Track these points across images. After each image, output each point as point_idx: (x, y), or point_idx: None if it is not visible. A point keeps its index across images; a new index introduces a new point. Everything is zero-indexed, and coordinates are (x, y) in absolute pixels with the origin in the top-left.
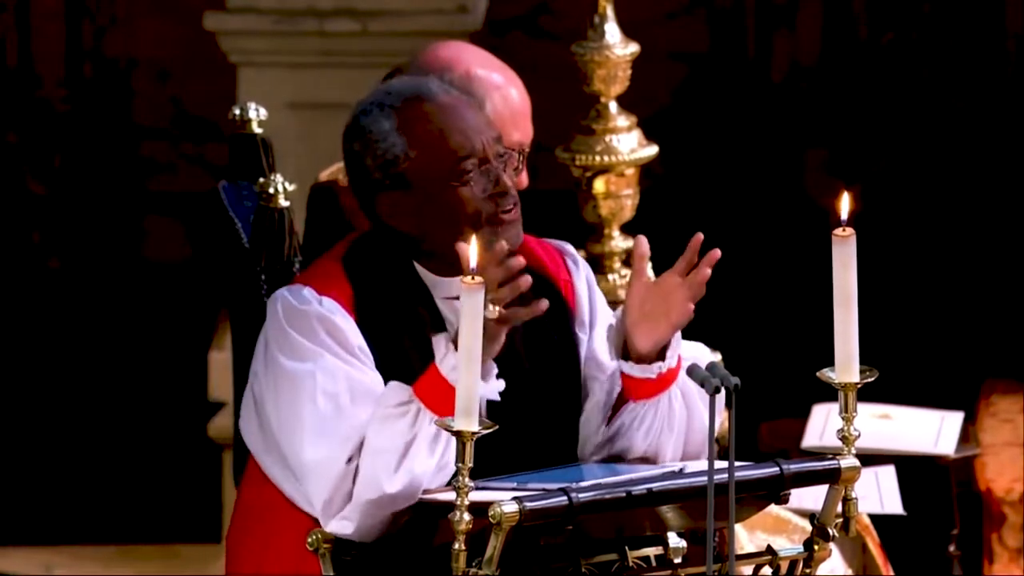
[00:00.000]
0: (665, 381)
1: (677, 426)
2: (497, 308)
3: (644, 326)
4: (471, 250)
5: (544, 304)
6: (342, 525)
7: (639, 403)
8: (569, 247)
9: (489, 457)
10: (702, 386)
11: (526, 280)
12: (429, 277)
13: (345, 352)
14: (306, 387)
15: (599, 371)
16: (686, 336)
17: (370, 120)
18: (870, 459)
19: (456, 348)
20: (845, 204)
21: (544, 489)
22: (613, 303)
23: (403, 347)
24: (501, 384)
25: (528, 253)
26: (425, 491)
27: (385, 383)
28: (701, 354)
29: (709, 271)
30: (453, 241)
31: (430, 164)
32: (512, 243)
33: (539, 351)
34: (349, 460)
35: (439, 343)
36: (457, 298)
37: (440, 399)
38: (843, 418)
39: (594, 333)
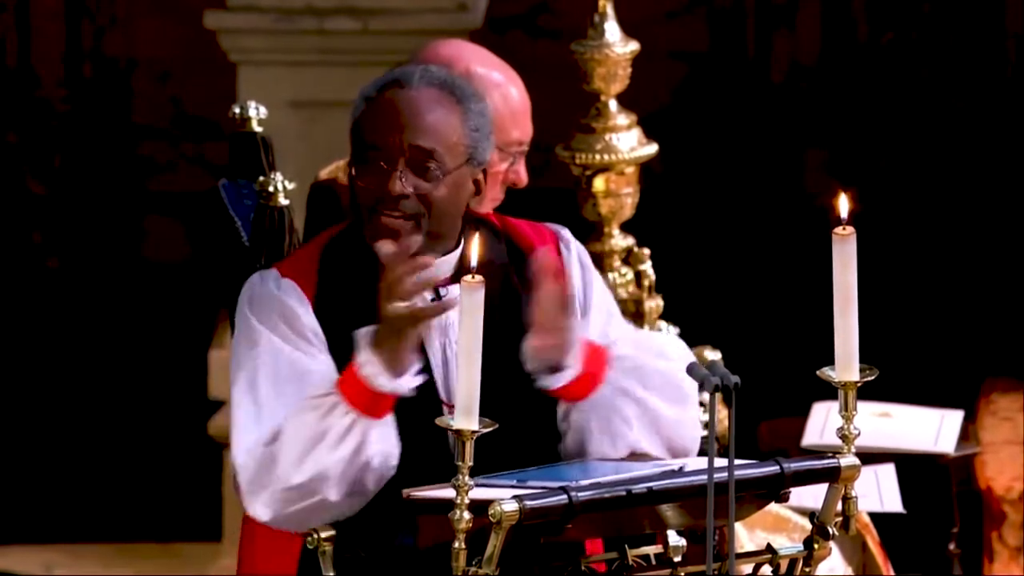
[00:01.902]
0: (582, 385)
1: (638, 424)
2: (403, 303)
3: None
4: (472, 247)
5: (452, 301)
6: (261, 511)
7: (574, 404)
8: (564, 232)
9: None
10: (702, 385)
11: (430, 276)
12: None
13: (294, 335)
14: (248, 369)
15: None
16: (688, 335)
17: (356, 101)
18: (870, 457)
19: (372, 342)
20: (844, 203)
21: (544, 487)
22: None
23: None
24: (416, 380)
25: (519, 239)
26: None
27: (338, 369)
28: (670, 349)
29: (557, 286)
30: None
31: (352, 144)
32: (380, 254)
33: (516, 343)
34: (272, 443)
35: (359, 337)
36: None
37: (357, 394)
38: (843, 417)
39: (586, 319)
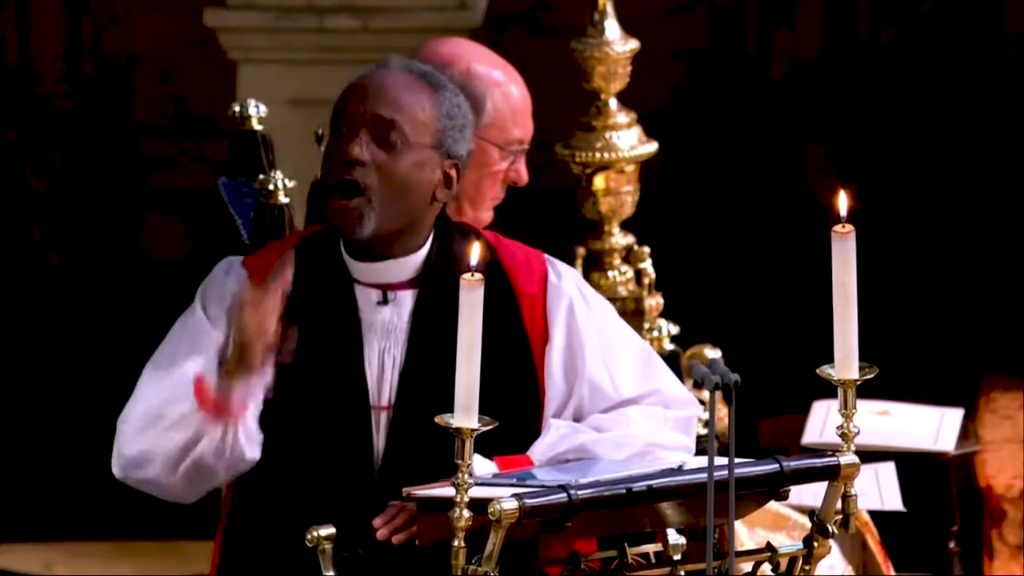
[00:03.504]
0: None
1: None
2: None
3: None
4: (473, 248)
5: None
6: (115, 468)
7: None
8: (559, 265)
9: (408, 462)
10: (702, 383)
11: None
12: (349, 261)
13: (222, 316)
14: (169, 340)
15: (550, 387)
16: (689, 333)
17: None
18: (870, 456)
19: (225, 356)
20: (844, 201)
21: (543, 486)
22: (612, 299)
23: (301, 323)
24: (253, 409)
25: (504, 260)
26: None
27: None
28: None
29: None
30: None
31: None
32: (344, 231)
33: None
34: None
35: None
36: (375, 285)
37: (203, 392)
38: (843, 415)
39: (549, 349)
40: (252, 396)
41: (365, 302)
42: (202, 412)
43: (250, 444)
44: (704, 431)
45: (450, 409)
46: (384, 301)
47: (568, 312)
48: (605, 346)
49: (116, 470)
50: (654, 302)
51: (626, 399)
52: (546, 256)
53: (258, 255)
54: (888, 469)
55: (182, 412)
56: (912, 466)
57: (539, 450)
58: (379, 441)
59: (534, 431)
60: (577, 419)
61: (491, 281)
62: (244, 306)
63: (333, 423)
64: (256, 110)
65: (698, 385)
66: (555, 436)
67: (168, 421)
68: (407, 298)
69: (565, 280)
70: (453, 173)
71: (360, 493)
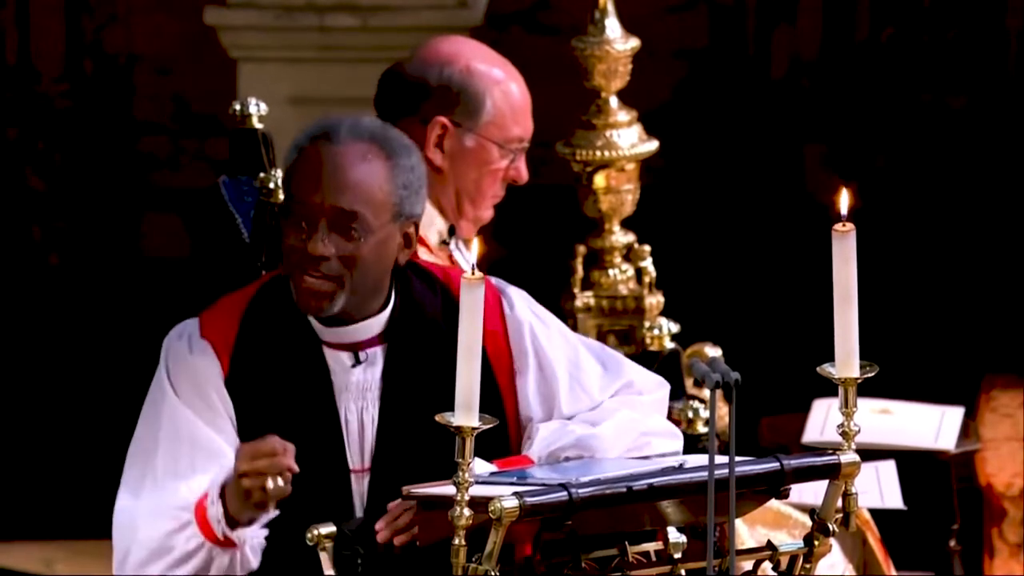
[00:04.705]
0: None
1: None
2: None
3: None
4: (472, 246)
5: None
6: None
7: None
8: (509, 290)
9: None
10: (703, 381)
11: (279, 491)
12: (316, 324)
13: (201, 402)
14: (150, 430)
15: (530, 415)
16: (689, 331)
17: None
18: (870, 454)
19: (223, 489)
20: (844, 199)
21: (544, 484)
22: (612, 297)
23: (274, 391)
24: (260, 532)
25: (457, 292)
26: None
27: (247, 426)
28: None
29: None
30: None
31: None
32: (309, 311)
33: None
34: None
35: (212, 485)
36: (345, 346)
37: (206, 524)
38: (843, 413)
39: (523, 379)
40: (260, 520)
41: (337, 365)
42: (210, 543)
43: (255, 555)
44: (704, 429)
45: (430, 461)
46: (357, 362)
47: (532, 339)
48: (571, 361)
49: None
50: (654, 300)
51: (602, 401)
52: (493, 281)
53: (214, 313)
54: (889, 467)
55: (188, 549)
56: (913, 464)
57: (535, 449)
58: (359, 506)
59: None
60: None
61: (451, 323)
62: (242, 457)
63: (312, 491)
64: (256, 108)
65: (699, 383)
66: (548, 433)
67: (176, 555)
68: (377, 355)
69: (519, 307)
70: (412, 231)
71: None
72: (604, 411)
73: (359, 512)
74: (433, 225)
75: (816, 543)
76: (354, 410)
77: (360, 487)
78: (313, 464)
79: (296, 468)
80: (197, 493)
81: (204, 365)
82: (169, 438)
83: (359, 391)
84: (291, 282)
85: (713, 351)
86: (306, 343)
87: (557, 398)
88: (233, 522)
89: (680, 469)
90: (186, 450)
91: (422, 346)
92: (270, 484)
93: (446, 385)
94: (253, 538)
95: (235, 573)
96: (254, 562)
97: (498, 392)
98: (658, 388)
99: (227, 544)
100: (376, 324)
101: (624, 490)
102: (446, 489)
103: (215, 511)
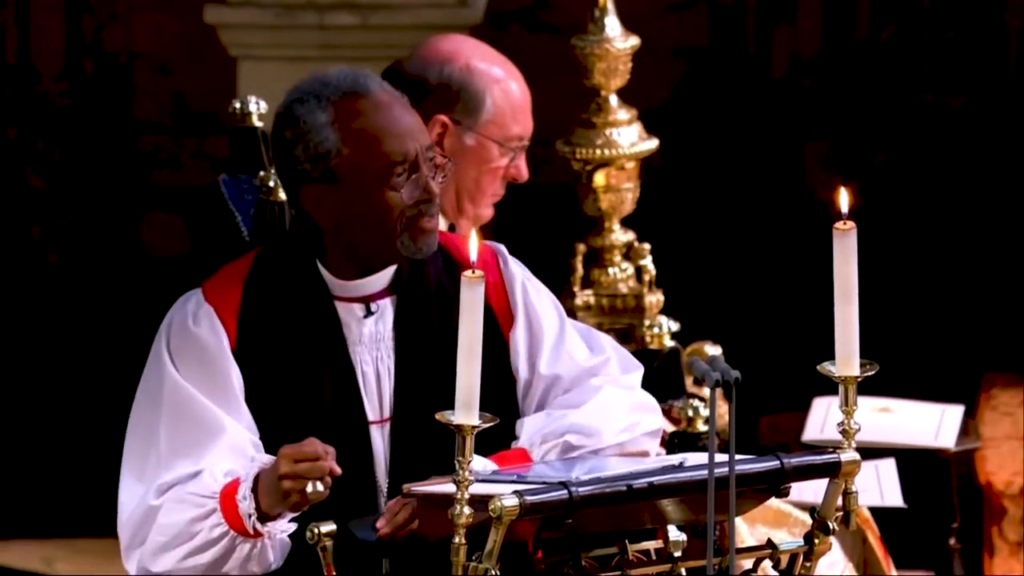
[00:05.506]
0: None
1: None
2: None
3: None
4: (471, 244)
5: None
6: (131, 569)
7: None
8: (502, 249)
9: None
10: (703, 380)
11: (317, 494)
12: (329, 278)
13: (206, 378)
14: (149, 410)
15: (518, 366)
16: (689, 330)
17: (305, 110)
18: (870, 452)
19: (256, 484)
20: (845, 198)
21: (544, 482)
22: (612, 296)
23: (286, 349)
24: (289, 527)
25: (455, 253)
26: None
27: (258, 391)
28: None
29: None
30: (371, 241)
31: (362, 164)
32: (426, 251)
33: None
34: (150, 511)
35: (245, 479)
36: (355, 299)
37: (231, 513)
38: (843, 411)
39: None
40: (271, 532)
41: (349, 317)
42: (234, 532)
43: (275, 551)
44: (704, 427)
45: (450, 406)
46: (369, 313)
47: (523, 292)
48: (558, 323)
49: (132, 570)
50: (654, 299)
51: (585, 368)
52: (489, 243)
53: (217, 280)
54: (889, 466)
55: (211, 537)
56: (913, 463)
57: (525, 439)
58: (381, 456)
59: (513, 413)
60: (545, 391)
61: (453, 279)
62: (284, 459)
63: (333, 445)
64: (256, 107)
65: (699, 382)
66: (534, 422)
67: (198, 542)
68: (387, 306)
69: (512, 264)
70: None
71: (368, 508)
72: (588, 390)
73: (381, 462)
74: None
75: (816, 541)
76: (370, 361)
77: (381, 438)
78: (332, 418)
79: (339, 470)
80: (220, 480)
81: (208, 335)
82: (171, 416)
83: (372, 342)
84: (399, 241)
85: (713, 349)
86: (316, 298)
87: (540, 355)
88: (264, 516)
89: (680, 467)
90: (189, 427)
91: (429, 297)
92: (310, 488)
93: (456, 334)
94: (280, 532)
95: (252, 564)
96: (272, 557)
97: (505, 347)
98: (636, 367)
99: (254, 536)
100: (384, 277)
101: (624, 488)
102: (446, 487)
103: (246, 506)
